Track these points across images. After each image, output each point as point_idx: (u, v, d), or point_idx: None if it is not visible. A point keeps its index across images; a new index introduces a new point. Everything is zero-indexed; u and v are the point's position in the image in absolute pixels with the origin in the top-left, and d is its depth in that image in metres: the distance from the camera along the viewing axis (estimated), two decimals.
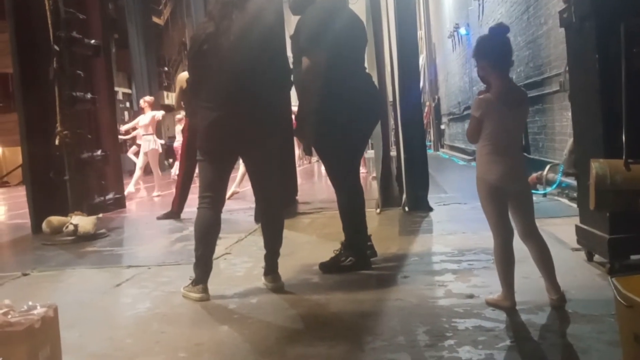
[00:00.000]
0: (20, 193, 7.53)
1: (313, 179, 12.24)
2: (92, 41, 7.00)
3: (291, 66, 3.84)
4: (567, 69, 4.78)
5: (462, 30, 14.61)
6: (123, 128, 12.18)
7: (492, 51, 2.84)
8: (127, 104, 20.94)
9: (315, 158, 12.21)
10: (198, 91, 3.51)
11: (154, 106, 11.77)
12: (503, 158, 2.82)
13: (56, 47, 6.22)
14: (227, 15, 3.42)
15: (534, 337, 2.54)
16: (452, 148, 17.72)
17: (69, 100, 6.32)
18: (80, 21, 6.79)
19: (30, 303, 2.28)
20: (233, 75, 3.40)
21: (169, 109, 22.15)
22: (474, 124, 2.86)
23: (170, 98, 21.30)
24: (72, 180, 6.37)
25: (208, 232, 3.48)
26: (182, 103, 6.97)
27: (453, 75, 17.73)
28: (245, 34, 3.42)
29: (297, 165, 14.72)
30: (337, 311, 3.09)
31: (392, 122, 7.58)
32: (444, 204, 6.56)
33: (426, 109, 20.07)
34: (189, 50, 3.57)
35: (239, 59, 3.40)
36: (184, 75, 6.39)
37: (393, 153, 7.28)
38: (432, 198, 6.47)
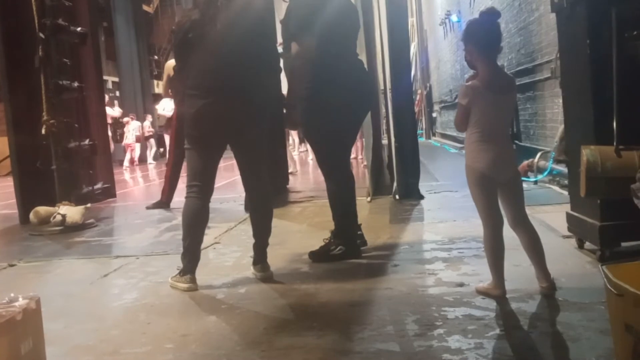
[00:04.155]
0: (9, 183, 7.45)
1: (304, 167, 12.19)
2: (79, 29, 6.88)
3: (281, 50, 3.79)
4: (558, 55, 4.74)
5: (454, 17, 14.55)
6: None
7: (481, 36, 2.79)
8: (117, 93, 20.78)
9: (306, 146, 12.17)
10: (185, 79, 3.46)
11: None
12: (491, 146, 2.78)
13: (41, 35, 6.13)
14: (212, 2, 3.36)
15: (524, 325, 2.52)
16: (444, 136, 17.71)
17: (55, 88, 6.23)
18: (66, 8, 6.67)
19: (12, 295, 2.23)
20: (220, 63, 3.35)
21: (159, 98, 22.05)
22: (461, 111, 2.81)
23: (160, 87, 21.20)
24: (59, 169, 6.30)
25: (196, 221, 3.44)
26: (169, 91, 6.89)
27: (445, 62, 17.69)
28: (232, 22, 3.37)
29: (295, 153, 14.70)
30: (326, 301, 3.06)
31: (383, 110, 7.54)
32: (435, 192, 6.55)
33: (418, 97, 20.03)
34: (174, 38, 3.51)
35: (226, 48, 3.35)
36: (171, 63, 6.30)
37: (384, 141, 7.25)
38: (423, 186, 6.45)
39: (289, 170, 9.57)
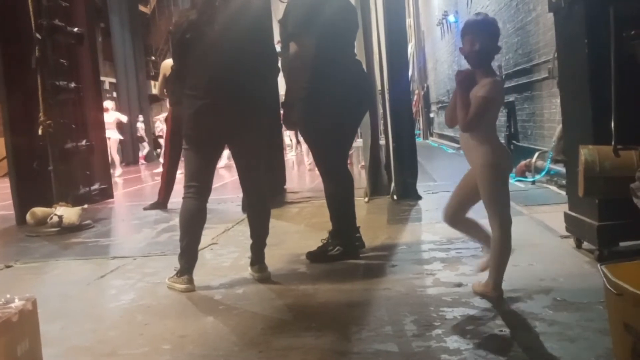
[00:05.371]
0: (6, 184, 7.42)
1: (302, 168, 12.17)
2: (76, 29, 6.87)
3: (279, 49, 3.78)
4: (555, 55, 4.74)
5: (451, 18, 14.55)
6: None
7: (497, 34, 2.81)
8: (114, 94, 20.76)
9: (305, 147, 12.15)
10: (183, 79, 3.45)
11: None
12: (501, 142, 2.83)
13: (38, 36, 6.11)
14: (210, 3, 3.35)
15: (522, 325, 2.51)
16: (441, 136, 17.71)
17: (52, 89, 6.21)
18: (63, 9, 6.66)
19: (8, 296, 2.22)
20: (218, 63, 3.34)
21: (156, 99, 22.06)
22: (487, 107, 2.70)
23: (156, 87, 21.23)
24: (56, 170, 6.28)
25: (193, 222, 3.43)
26: (165, 91, 6.87)
27: (442, 63, 17.70)
28: (230, 23, 3.35)
29: (292, 153, 14.74)
30: (324, 301, 3.05)
31: (381, 110, 7.53)
32: (432, 192, 6.54)
33: (415, 97, 20.02)
34: (171, 38, 3.51)
35: (224, 49, 3.34)
36: (168, 63, 6.30)
37: (382, 142, 7.25)
38: (420, 186, 6.44)
39: None
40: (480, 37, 2.75)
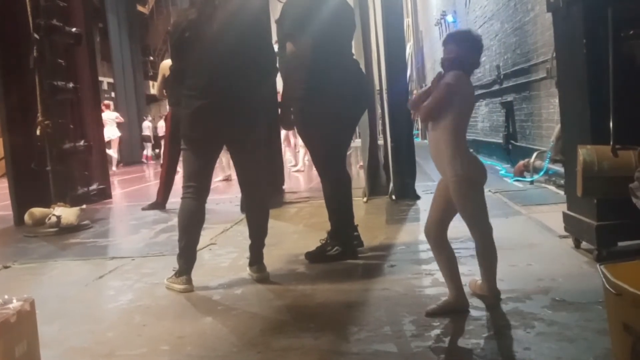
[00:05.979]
0: (4, 185, 7.42)
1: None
2: (74, 29, 6.87)
3: (276, 50, 3.78)
4: (554, 55, 4.74)
5: (449, 18, 14.56)
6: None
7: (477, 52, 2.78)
8: (112, 94, 20.74)
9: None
10: (181, 79, 3.44)
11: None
12: (470, 152, 2.76)
13: (36, 36, 6.11)
14: (210, 2, 3.35)
15: (521, 325, 2.50)
16: None
17: (50, 89, 6.22)
18: (60, 9, 6.66)
19: (6, 297, 2.21)
20: (217, 64, 3.34)
21: (155, 100, 22.05)
22: (447, 96, 2.63)
23: (155, 87, 21.23)
24: (54, 171, 6.28)
25: (192, 222, 3.43)
26: (164, 92, 6.87)
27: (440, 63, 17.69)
28: (229, 22, 3.36)
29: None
30: (322, 301, 3.05)
31: (379, 110, 7.54)
32: (431, 192, 6.47)
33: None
34: (170, 37, 3.51)
35: (223, 48, 3.34)
36: (167, 63, 6.30)
37: (380, 142, 7.25)
38: (419, 186, 6.44)
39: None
40: (457, 46, 2.72)
